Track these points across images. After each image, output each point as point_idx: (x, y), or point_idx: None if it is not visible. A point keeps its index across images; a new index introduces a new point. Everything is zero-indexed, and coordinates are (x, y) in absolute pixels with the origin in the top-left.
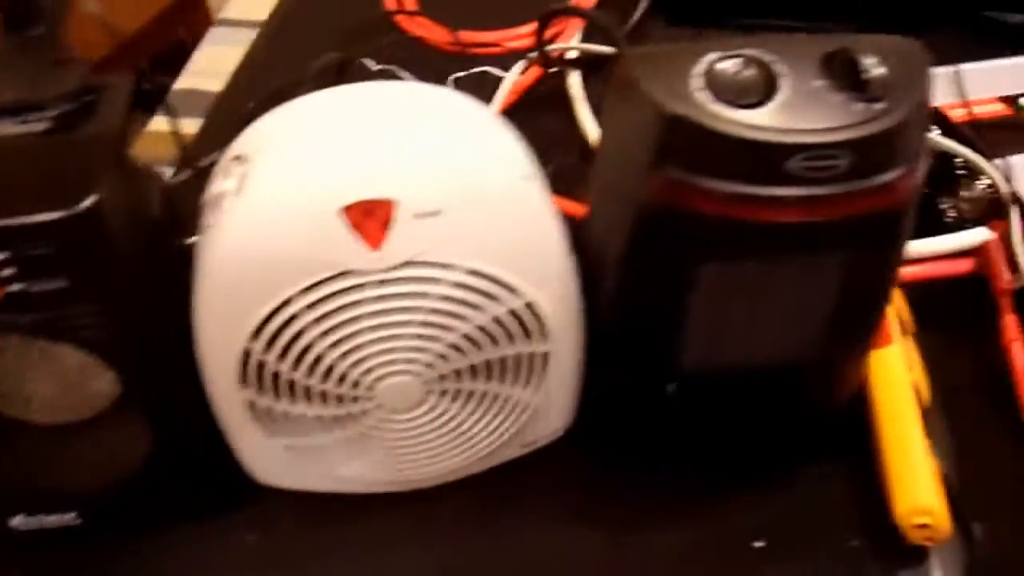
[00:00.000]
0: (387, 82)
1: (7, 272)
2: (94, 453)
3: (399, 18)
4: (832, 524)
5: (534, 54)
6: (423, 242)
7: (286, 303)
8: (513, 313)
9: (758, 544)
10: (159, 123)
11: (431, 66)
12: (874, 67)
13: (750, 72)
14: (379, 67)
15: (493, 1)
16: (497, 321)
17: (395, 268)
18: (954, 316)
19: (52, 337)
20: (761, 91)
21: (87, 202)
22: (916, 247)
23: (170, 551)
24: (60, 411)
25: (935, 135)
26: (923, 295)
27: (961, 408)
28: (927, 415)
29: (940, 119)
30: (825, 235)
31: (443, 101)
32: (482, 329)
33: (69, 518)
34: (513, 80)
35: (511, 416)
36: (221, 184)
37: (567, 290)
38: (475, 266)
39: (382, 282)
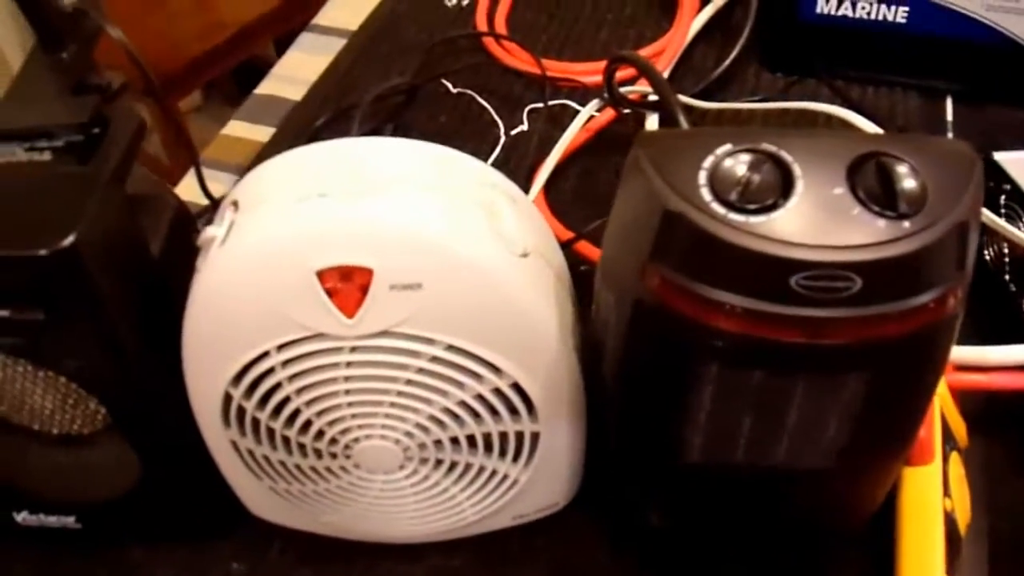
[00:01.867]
0: (398, 139)
1: None
2: (92, 466)
3: (487, 40)
4: None
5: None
6: (401, 313)
7: (263, 356)
8: (497, 391)
9: None
10: (234, 127)
11: (510, 94)
12: (907, 178)
13: (764, 172)
14: (457, 90)
15: (590, 32)
16: (480, 398)
17: (370, 337)
18: (1016, 431)
19: (34, 362)
20: (772, 195)
21: (66, 241)
22: (982, 355)
23: (160, 568)
24: (59, 425)
25: (1020, 230)
26: (986, 404)
27: (1006, 532)
28: (964, 539)
29: None
30: (838, 357)
31: (450, 166)
32: (463, 404)
33: (68, 521)
34: (586, 118)
35: (498, 489)
36: (212, 229)
37: (560, 373)
38: (455, 342)
39: (355, 349)
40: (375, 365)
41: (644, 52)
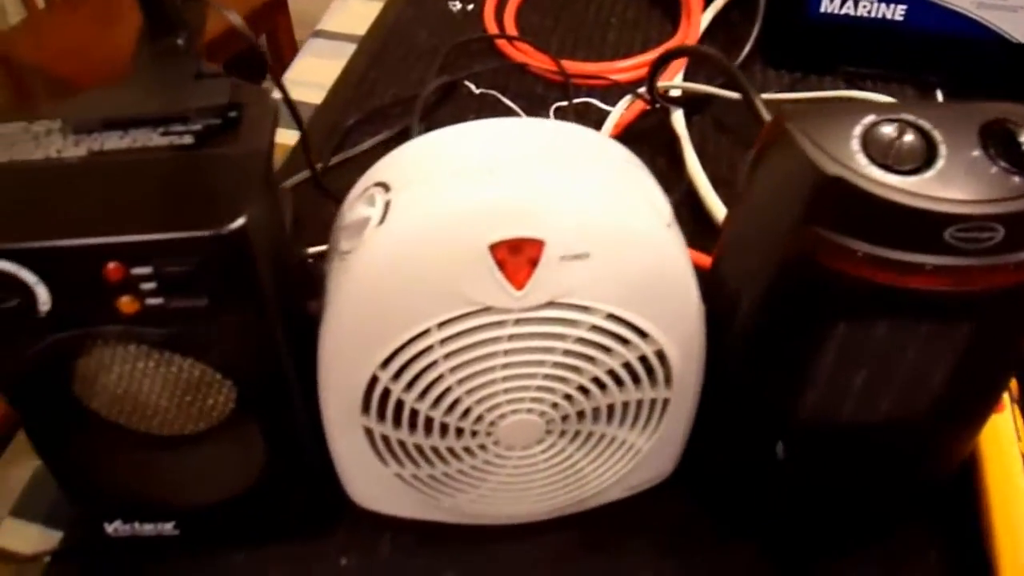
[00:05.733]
0: (532, 119)
1: (147, 286)
2: (203, 467)
3: (500, 43)
4: None
5: (642, 89)
6: (566, 284)
7: (421, 335)
8: (643, 359)
9: None
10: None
11: (532, 94)
12: None
13: (909, 138)
14: (480, 91)
15: (597, 34)
16: (627, 366)
17: (536, 308)
18: None
19: (181, 352)
20: (919, 158)
21: (236, 223)
22: None
23: (262, 569)
24: (174, 423)
25: None
26: None
27: None
28: None
29: None
30: (965, 304)
31: (591, 142)
32: (611, 373)
33: (166, 528)
34: (620, 113)
35: (623, 459)
36: (362, 210)
37: (695, 340)
38: (614, 310)
39: (519, 321)
40: (536, 337)
41: (656, 52)
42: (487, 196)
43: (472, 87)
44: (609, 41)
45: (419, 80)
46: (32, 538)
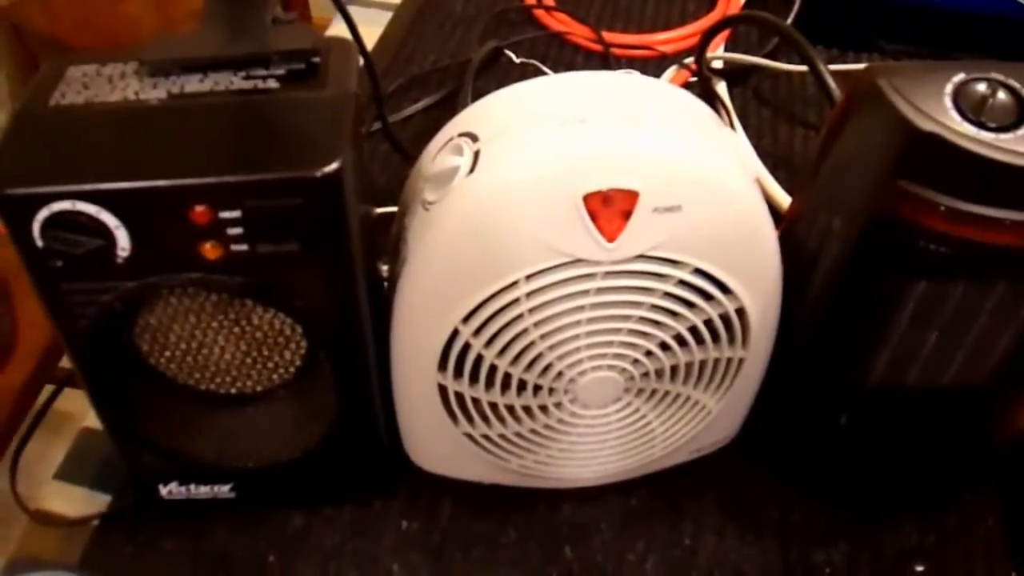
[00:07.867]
0: (617, 72)
1: (233, 231)
2: (264, 428)
3: (538, 12)
4: (993, 555)
5: (689, 59)
6: (656, 237)
7: (508, 288)
8: (724, 316)
9: (919, 568)
10: None
11: (572, 63)
12: None
13: (1001, 97)
14: (520, 60)
15: (636, 5)
16: (708, 323)
17: (625, 261)
18: None
19: (261, 300)
20: (1011, 116)
21: (332, 166)
22: None
23: (321, 531)
24: (237, 381)
25: None
26: None
27: None
28: None
29: None
30: None
31: (677, 97)
32: (693, 330)
33: (222, 490)
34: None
35: (694, 420)
36: (450, 160)
37: (774, 299)
38: (702, 265)
39: (608, 274)
40: (623, 291)
41: (695, 26)
42: (582, 146)
43: (512, 56)
44: (648, 13)
45: (457, 48)
46: (78, 501)
